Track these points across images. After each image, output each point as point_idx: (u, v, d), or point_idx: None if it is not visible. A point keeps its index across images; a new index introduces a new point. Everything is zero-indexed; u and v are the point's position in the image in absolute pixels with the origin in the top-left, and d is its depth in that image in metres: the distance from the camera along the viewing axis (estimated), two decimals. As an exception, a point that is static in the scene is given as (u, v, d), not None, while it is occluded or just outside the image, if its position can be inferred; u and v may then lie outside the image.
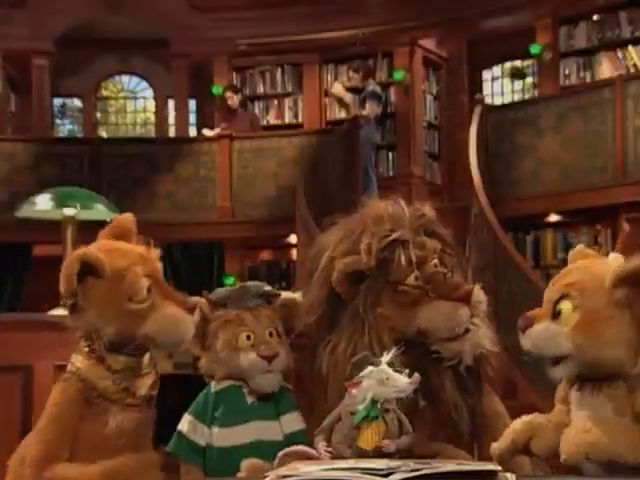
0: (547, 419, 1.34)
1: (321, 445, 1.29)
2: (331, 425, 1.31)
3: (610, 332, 1.26)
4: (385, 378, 1.26)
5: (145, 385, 1.45)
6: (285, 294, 1.71)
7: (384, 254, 1.43)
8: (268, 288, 1.68)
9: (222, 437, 1.55)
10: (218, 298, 1.65)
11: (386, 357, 1.30)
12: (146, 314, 1.42)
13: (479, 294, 1.45)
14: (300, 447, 1.37)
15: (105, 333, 1.41)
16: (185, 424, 1.59)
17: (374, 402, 1.27)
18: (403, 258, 1.42)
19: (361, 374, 1.29)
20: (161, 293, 1.46)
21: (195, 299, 1.55)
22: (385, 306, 1.42)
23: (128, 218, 1.57)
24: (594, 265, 1.35)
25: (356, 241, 1.48)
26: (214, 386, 1.61)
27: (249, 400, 1.58)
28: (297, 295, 1.70)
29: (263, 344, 1.58)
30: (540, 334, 1.30)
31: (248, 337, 1.59)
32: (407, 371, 1.28)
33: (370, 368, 1.28)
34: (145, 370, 1.46)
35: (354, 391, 1.29)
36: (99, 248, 1.46)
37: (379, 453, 1.24)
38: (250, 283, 1.68)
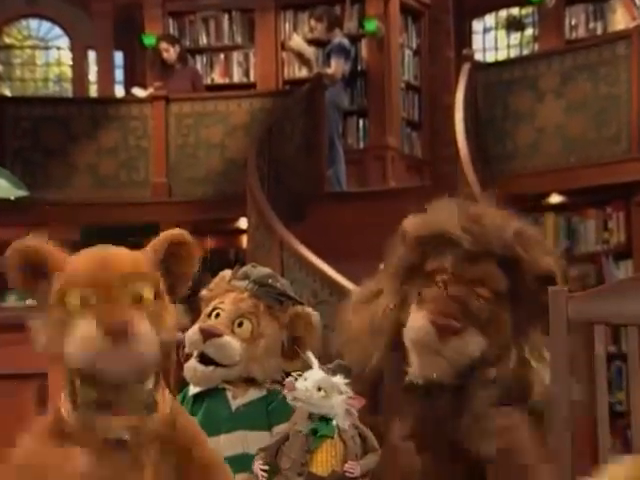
0: None
1: (257, 465, 1.33)
2: (277, 445, 1.34)
3: None
4: (323, 394, 1.29)
5: (118, 425, 1.35)
6: (304, 308, 1.74)
7: (428, 239, 1.52)
8: (277, 284, 1.73)
9: None
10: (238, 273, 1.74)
11: (340, 379, 1.33)
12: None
13: (463, 346, 1.48)
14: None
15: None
16: None
17: (328, 420, 1.30)
18: (439, 255, 1.51)
19: (305, 375, 1.31)
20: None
21: None
22: (411, 290, 1.53)
23: None
24: None
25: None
26: (191, 388, 1.63)
27: (233, 406, 1.61)
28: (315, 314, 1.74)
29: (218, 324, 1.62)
30: None
31: (217, 315, 1.63)
32: (349, 393, 1.32)
33: (317, 372, 1.31)
34: (123, 407, 1.37)
35: (285, 391, 1.32)
36: None
37: (337, 479, 1.27)
38: (259, 269, 1.73)
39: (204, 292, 1.71)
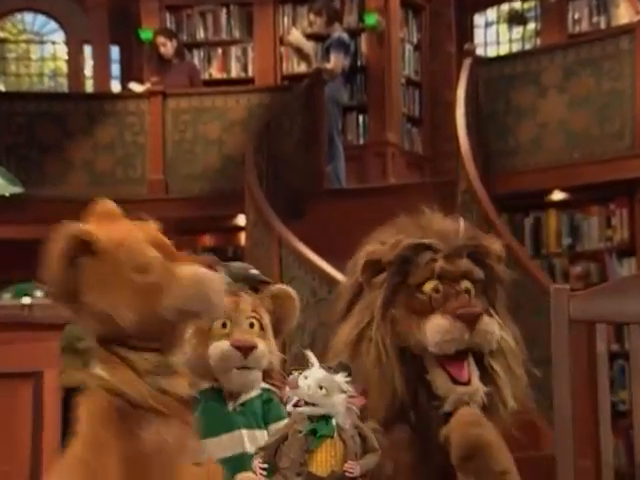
0: None
1: (256, 463, 1.33)
2: (276, 444, 1.34)
3: None
4: (324, 390, 1.30)
5: (183, 385, 1.42)
6: (279, 285, 1.75)
7: (408, 253, 1.59)
8: (255, 272, 1.71)
9: (202, 449, 1.58)
10: None
11: (341, 377, 1.34)
12: (161, 283, 1.40)
13: (490, 324, 1.56)
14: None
15: (123, 321, 1.39)
16: None
17: (327, 419, 1.30)
18: (427, 265, 1.58)
19: (305, 373, 1.32)
20: (171, 259, 1.44)
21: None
22: (398, 309, 1.58)
23: (109, 203, 1.55)
24: None
25: (393, 237, 1.66)
26: None
27: (230, 406, 1.62)
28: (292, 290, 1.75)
29: (241, 334, 1.62)
30: None
31: (224, 325, 1.62)
32: (351, 391, 1.33)
33: (318, 370, 1.32)
34: (178, 368, 1.44)
35: (287, 389, 1.32)
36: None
37: (336, 479, 1.28)
38: (233, 263, 1.72)
39: None
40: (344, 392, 1.34)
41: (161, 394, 1.38)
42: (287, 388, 1.34)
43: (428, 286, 1.57)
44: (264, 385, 1.68)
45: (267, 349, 1.64)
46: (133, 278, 1.40)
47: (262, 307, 1.68)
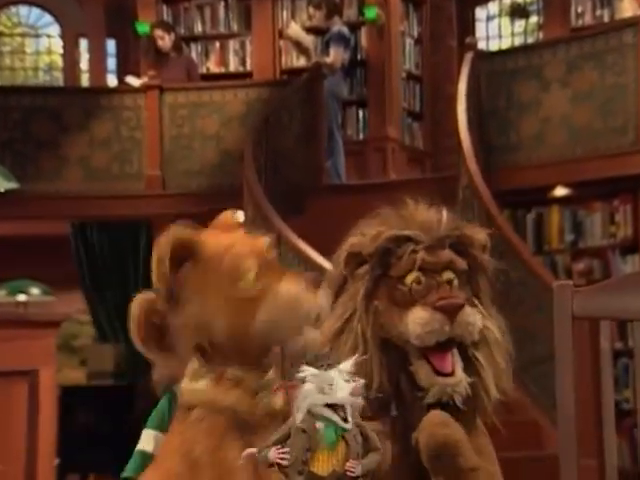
0: None
1: (273, 450, 1.33)
2: (278, 442, 1.34)
3: None
4: (328, 385, 1.30)
5: (280, 402, 1.45)
6: None
7: (390, 245, 1.60)
8: None
9: None
10: None
11: (346, 363, 1.34)
12: (258, 297, 1.42)
13: (472, 315, 1.57)
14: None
15: (215, 330, 1.41)
16: (149, 442, 1.61)
17: (336, 424, 1.30)
18: (409, 257, 1.58)
19: (303, 374, 1.32)
20: (275, 274, 1.46)
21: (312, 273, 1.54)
22: (380, 300, 1.59)
23: (231, 215, 1.58)
24: None
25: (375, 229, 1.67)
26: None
27: None
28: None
29: None
30: None
31: None
32: (360, 380, 1.33)
33: (314, 371, 1.32)
34: (274, 384, 1.47)
35: (296, 395, 1.32)
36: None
37: (337, 479, 1.28)
38: None
39: None
40: (347, 381, 1.34)
41: (266, 412, 1.43)
42: (296, 395, 1.33)
43: (409, 278, 1.58)
44: None
45: None
46: (231, 289, 1.42)
47: None
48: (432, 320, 1.53)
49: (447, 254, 1.61)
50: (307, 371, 1.31)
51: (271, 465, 1.31)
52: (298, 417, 1.30)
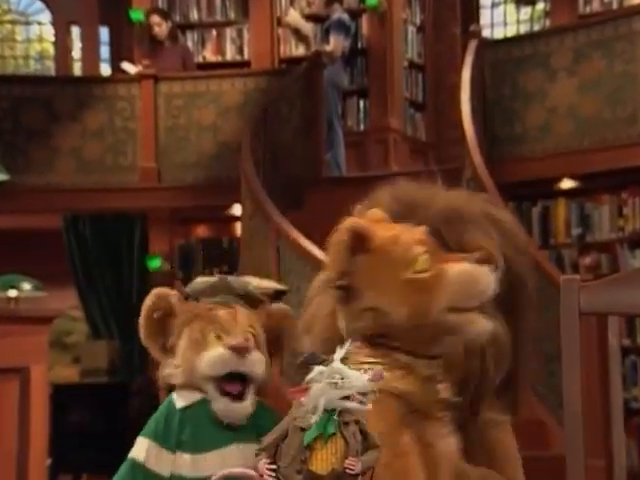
0: None
1: (262, 463, 1.33)
2: (275, 442, 1.34)
3: None
4: (339, 378, 1.30)
5: (448, 391, 1.51)
6: (278, 304, 1.75)
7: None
8: (254, 287, 1.71)
9: (194, 465, 1.58)
10: (192, 290, 1.70)
11: (340, 352, 1.34)
12: (432, 281, 1.47)
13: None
14: (239, 469, 1.42)
15: (396, 317, 1.46)
16: (141, 451, 1.61)
17: (330, 415, 1.30)
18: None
19: (308, 377, 1.32)
20: (441, 259, 1.51)
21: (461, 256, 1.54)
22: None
23: (379, 211, 1.62)
24: None
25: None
26: (178, 400, 1.63)
27: (224, 420, 1.61)
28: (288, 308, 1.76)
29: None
30: None
31: (219, 337, 1.62)
32: (368, 367, 1.33)
33: (319, 368, 1.32)
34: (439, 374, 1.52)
35: (303, 399, 1.32)
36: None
37: (336, 477, 1.28)
38: (233, 278, 1.72)
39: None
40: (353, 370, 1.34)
41: (437, 400, 1.48)
42: (301, 399, 1.33)
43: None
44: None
45: (263, 358, 1.64)
46: (406, 275, 1.47)
47: (258, 323, 1.68)
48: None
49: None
50: (314, 371, 1.31)
51: (260, 475, 1.32)
52: (314, 418, 1.30)
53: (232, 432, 1.62)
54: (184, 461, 1.58)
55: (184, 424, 1.60)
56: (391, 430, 1.44)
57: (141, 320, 1.68)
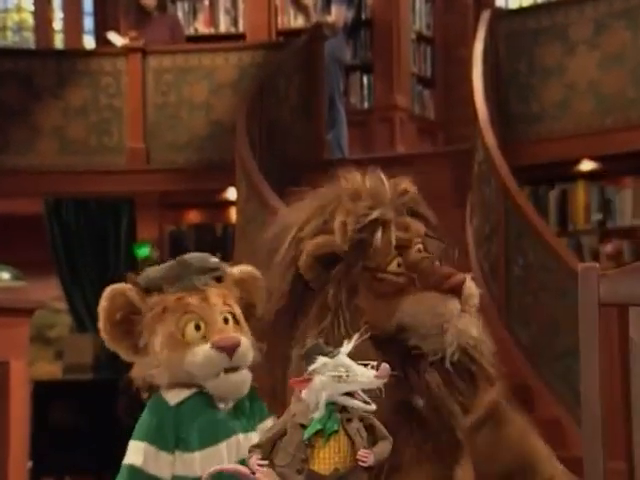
0: None
1: (254, 459, 1.34)
2: (272, 440, 1.35)
3: None
4: (344, 373, 1.31)
5: None
6: (241, 267, 1.75)
7: (361, 235, 1.59)
8: (215, 260, 1.71)
9: (201, 462, 1.57)
10: (149, 280, 1.68)
11: (347, 346, 1.34)
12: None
13: (471, 286, 1.61)
14: (230, 465, 1.43)
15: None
16: (138, 456, 1.60)
17: (331, 410, 1.31)
18: (383, 240, 1.59)
19: (311, 367, 1.32)
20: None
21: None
22: (361, 297, 1.59)
23: None
24: None
25: (328, 219, 1.65)
26: (169, 397, 1.64)
27: (222, 410, 1.62)
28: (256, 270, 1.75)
29: (218, 333, 1.62)
30: None
31: (197, 327, 1.63)
32: (374, 363, 1.33)
33: (323, 359, 1.32)
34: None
35: (303, 392, 1.33)
36: None
37: (339, 478, 1.29)
38: (190, 256, 1.71)
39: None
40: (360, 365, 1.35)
41: None
42: (302, 391, 1.33)
43: (393, 265, 1.60)
44: None
45: (248, 342, 1.65)
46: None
47: (230, 297, 1.68)
48: (448, 306, 1.55)
49: (414, 225, 1.64)
50: (318, 362, 1.31)
51: (252, 472, 1.33)
52: (316, 413, 1.30)
53: (234, 422, 1.63)
54: (186, 460, 1.59)
55: (181, 421, 1.61)
56: None
57: (101, 324, 1.66)
